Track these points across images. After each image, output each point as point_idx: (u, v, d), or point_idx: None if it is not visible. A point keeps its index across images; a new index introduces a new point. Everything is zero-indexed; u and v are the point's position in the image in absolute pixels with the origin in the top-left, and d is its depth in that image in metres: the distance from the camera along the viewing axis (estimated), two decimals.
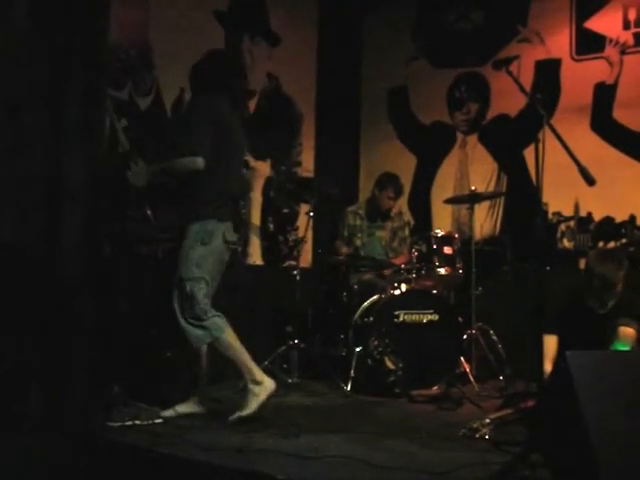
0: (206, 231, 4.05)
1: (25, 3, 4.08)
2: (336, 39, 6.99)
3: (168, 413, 4.05)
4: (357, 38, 7.27)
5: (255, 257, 6.05)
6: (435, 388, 4.99)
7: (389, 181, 5.99)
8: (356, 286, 5.58)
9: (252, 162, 6.03)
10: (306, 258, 6.24)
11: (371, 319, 5.11)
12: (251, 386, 4.01)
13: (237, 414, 3.97)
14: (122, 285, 4.47)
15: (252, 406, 3.98)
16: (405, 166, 6.86)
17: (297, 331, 5.38)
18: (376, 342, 4.98)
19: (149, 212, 4.57)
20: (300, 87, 6.70)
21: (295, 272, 5.43)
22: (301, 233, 5.89)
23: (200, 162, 3.98)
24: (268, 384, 4.04)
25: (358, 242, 5.99)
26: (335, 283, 5.96)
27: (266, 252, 6.07)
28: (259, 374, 4.05)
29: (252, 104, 6.22)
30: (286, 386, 5.03)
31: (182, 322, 4.00)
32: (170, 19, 5.39)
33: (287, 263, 5.69)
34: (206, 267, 4.06)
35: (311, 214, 5.62)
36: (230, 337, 4.04)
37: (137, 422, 3.86)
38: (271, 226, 6.10)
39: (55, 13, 4.17)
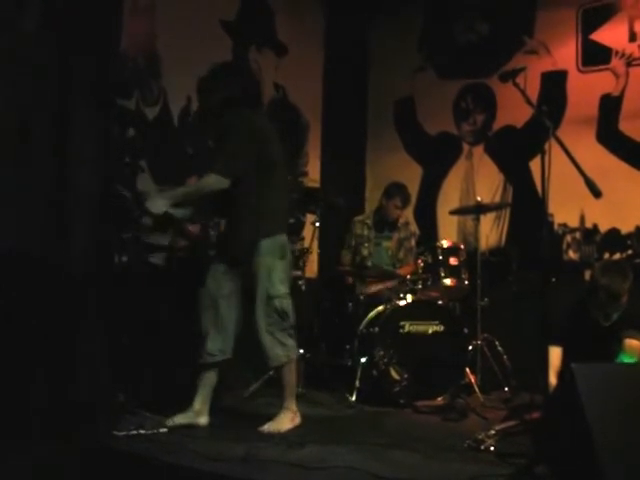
0: (281, 245, 4.10)
1: (36, 15, 4.12)
2: (343, 49, 7.01)
3: (172, 422, 4.05)
4: (364, 48, 7.29)
5: None
6: (440, 399, 4.99)
7: (396, 190, 5.99)
8: (362, 296, 5.58)
9: None
10: (312, 268, 6.23)
11: (376, 329, 5.10)
12: (287, 413, 4.11)
13: (271, 428, 4.02)
14: (133, 294, 4.48)
15: (284, 426, 4.05)
16: (411, 177, 6.86)
17: (302, 341, 5.36)
18: (381, 352, 4.98)
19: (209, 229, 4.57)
20: (307, 97, 6.71)
21: (300, 282, 5.43)
22: (307, 243, 5.89)
23: (226, 181, 3.96)
24: (298, 418, 4.15)
25: (365, 252, 5.99)
26: (341, 293, 5.96)
27: None
28: (295, 406, 4.15)
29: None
30: None
31: (267, 337, 4.02)
32: (178, 28, 5.41)
33: (292, 273, 5.68)
34: (288, 281, 4.13)
35: (317, 224, 5.62)
36: (296, 362, 4.16)
37: (142, 431, 3.86)
38: None
39: (65, 23, 4.21)
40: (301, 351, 5.25)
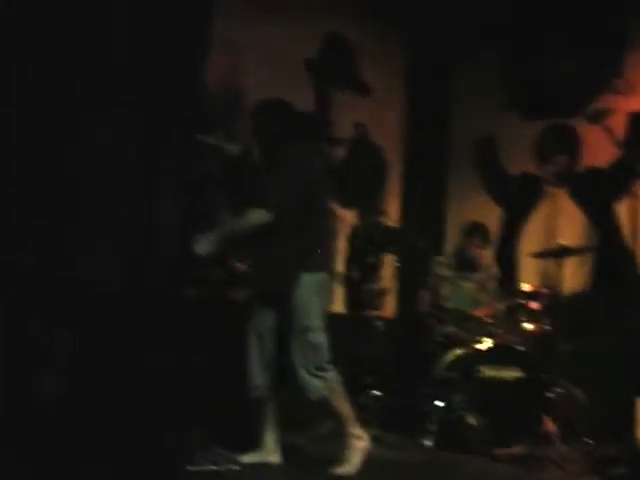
0: (319, 282, 4.10)
1: (125, 51, 4.22)
2: (424, 88, 7.00)
3: (244, 459, 4.03)
4: (445, 88, 7.26)
5: (337, 306, 6.02)
6: (518, 447, 4.84)
7: (476, 230, 5.90)
8: (439, 338, 5.49)
9: (338, 210, 6.03)
10: (389, 308, 6.18)
11: (454, 373, 5.01)
12: (353, 441, 4.05)
13: (342, 469, 3.98)
14: (204, 328, 4.50)
15: (355, 461, 4.01)
16: (491, 217, 6.75)
17: (377, 382, 5.31)
18: (458, 397, 4.88)
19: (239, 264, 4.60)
20: (387, 136, 6.71)
21: (378, 323, 5.38)
22: (385, 283, 5.84)
23: (267, 216, 4.00)
24: (366, 440, 4.08)
25: (445, 292, 5.90)
26: (418, 335, 5.88)
27: (349, 301, 6.04)
28: (359, 429, 4.07)
29: (339, 152, 6.26)
30: None
31: (303, 372, 3.99)
32: (261, 66, 5.49)
33: (370, 313, 5.65)
34: (322, 317, 4.10)
35: (396, 264, 5.59)
36: (343, 391, 4.07)
37: (215, 467, 3.85)
38: (355, 275, 6.07)
39: (153, 58, 4.30)
40: (377, 393, 5.22)
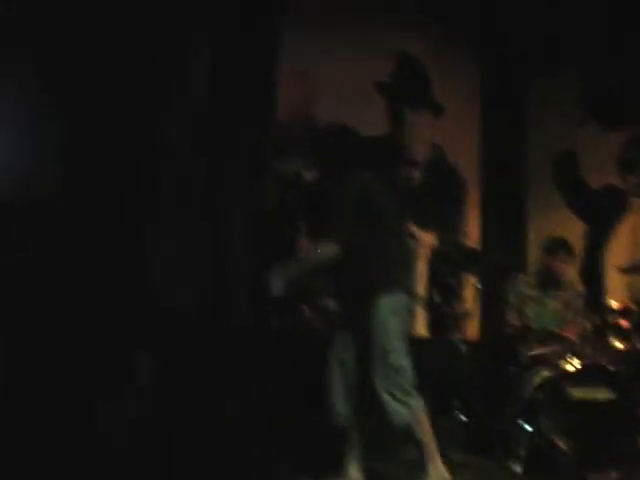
0: (397, 303, 4.05)
1: (202, 85, 4.30)
2: (500, 106, 6.91)
3: None
4: (521, 104, 7.15)
5: (420, 329, 5.95)
6: (612, 472, 4.68)
7: (559, 246, 5.76)
8: (525, 360, 5.36)
9: (417, 232, 5.98)
10: (472, 330, 6.08)
11: (541, 395, 4.88)
12: (433, 474, 3.98)
13: None
14: (287, 355, 4.52)
15: None
16: (574, 233, 6.60)
17: (463, 405, 5.22)
18: (547, 420, 4.75)
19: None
20: (464, 155, 6.65)
21: (461, 345, 5.30)
22: (467, 305, 5.76)
23: (335, 248, 3.98)
24: (447, 474, 4.02)
25: (529, 312, 5.78)
26: (503, 356, 5.76)
27: (431, 324, 5.97)
28: (440, 464, 4.02)
29: (416, 174, 6.21)
30: (452, 463, 4.85)
31: (385, 396, 3.93)
32: (333, 91, 5.50)
33: (453, 335, 5.57)
34: (404, 338, 4.05)
35: (478, 285, 5.50)
36: (426, 419, 4.00)
37: None
38: (436, 297, 5.99)
39: (226, 91, 4.37)
40: (462, 417, 5.13)
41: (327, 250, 4.02)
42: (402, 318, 4.09)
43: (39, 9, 3.65)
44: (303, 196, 5.35)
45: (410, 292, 4.24)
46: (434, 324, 5.95)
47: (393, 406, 3.93)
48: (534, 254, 6.70)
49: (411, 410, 3.95)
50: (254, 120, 4.57)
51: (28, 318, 3.54)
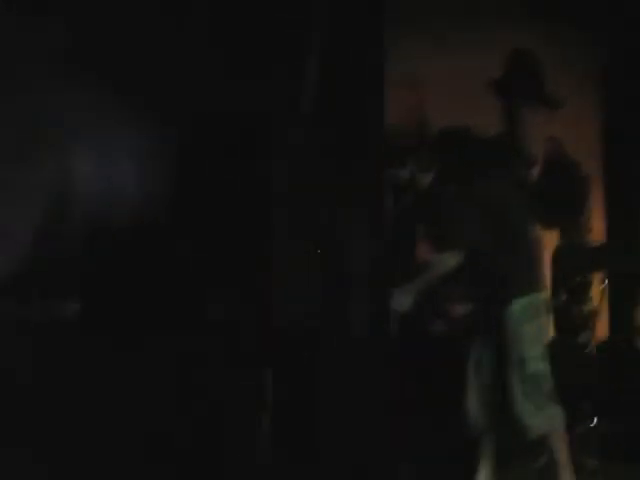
0: (531, 306, 3.97)
1: (310, 100, 4.33)
2: (625, 94, 6.64)
3: None
4: None
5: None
6: None
7: None
8: None
9: (538, 232, 5.82)
10: (601, 330, 5.87)
11: None
12: None
13: None
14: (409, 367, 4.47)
15: None
16: None
17: (594, 409, 5.04)
18: None
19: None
20: (585, 149, 6.42)
21: (588, 346, 5.12)
22: (595, 304, 5.56)
23: (459, 256, 3.86)
24: None
25: None
26: (634, 356, 5.54)
27: (558, 325, 5.80)
28: (572, 471, 3.92)
29: (534, 171, 6.05)
30: (584, 471, 4.69)
31: (523, 405, 3.85)
32: (445, 94, 5.43)
33: (581, 336, 5.39)
34: (542, 343, 3.95)
35: (605, 283, 5.31)
36: (562, 427, 3.90)
37: None
38: (563, 297, 5.82)
39: (337, 102, 4.38)
40: (596, 421, 4.96)
41: (453, 258, 3.93)
42: (538, 321, 3.94)
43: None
44: (419, 200, 5.29)
45: (543, 291, 4.08)
46: (560, 325, 5.79)
47: (529, 417, 3.81)
48: None
49: (548, 421, 3.82)
50: (366, 125, 4.55)
51: (156, 338, 3.62)
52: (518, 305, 3.89)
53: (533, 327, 3.90)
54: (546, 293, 4.10)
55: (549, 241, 6.00)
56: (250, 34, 4.03)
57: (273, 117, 4.19)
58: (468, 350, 4.08)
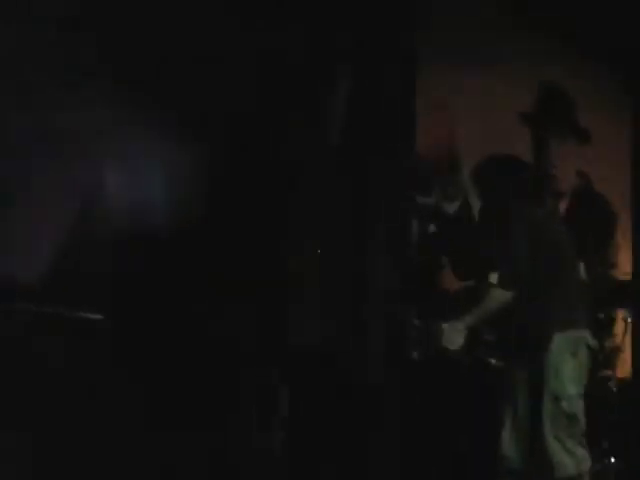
0: (573, 342, 3.89)
1: (341, 129, 4.35)
2: None
3: None
4: None
5: None
6: None
7: None
8: None
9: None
10: (624, 368, 5.80)
11: None
12: None
13: None
14: (429, 391, 4.44)
15: None
16: None
17: (616, 448, 4.97)
18: None
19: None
20: (614, 185, 6.39)
21: (611, 383, 5.07)
22: (619, 340, 5.50)
23: (509, 294, 3.81)
24: None
25: None
26: None
27: None
28: None
29: (562, 205, 6.03)
30: None
31: (553, 443, 3.76)
32: (475, 123, 5.43)
33: (604, 373, 5.32)
34: (580, 382, 3.88)
35: (629, 319, 5.26)
36: (589, 470, 3.85)
37: None
38: None
39: (364, 132, 4.40)
40: (613, 459, 4.89)
41: (503, 295, 3.86)
42: (578, 360, 3.89)
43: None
44: (445, 229, 5.29)
45: (588, 327, 4.01)
46: None
47: (559, 456, 3.74)
48: None
49: (577, 463, 3.76)
50: (394, 152, 4.57)
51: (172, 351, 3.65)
52: (559, 341, 3.84)
53: (571, 365, 3.83)
54: (588, 330, 3.99)
55: None
56: (281, 63, 4.07)
57: (302, 146, 4.22)
58: (507, 381, 4.02)
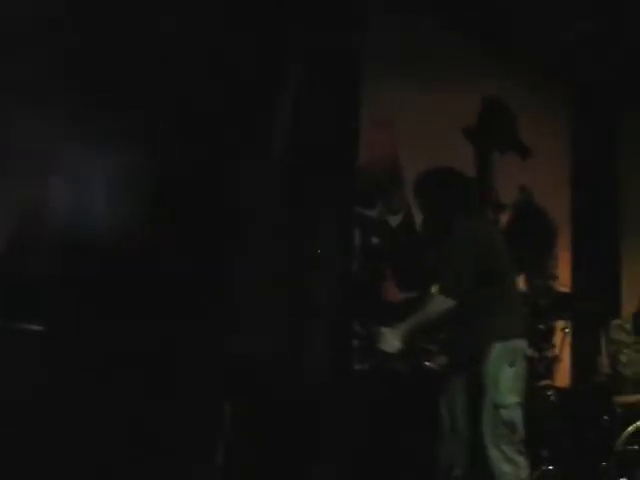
0: (512, 351, 3.91)
1: (284, 142, 4.38)
2: (592, 145, 6.78)
3: None
4: (614, 145, 6.99)
5: None
6: None
7: None
8: (619, 409, 5.18)
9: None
10: (562, 378, 5.91)
11: (635, 447, 4.71)
12: None
13: None
14: (369, 402, 4.47)
15: None
16: None
17: (553, 456, 5.06)
18: None
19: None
20: (554, 198, 6.53)
21: (550, 392, 5.15)
22: (557, 351, 5.61)
23: (452, 302, 3.86)
24: None
25: (624, 359, 5.58)
26: (595, 404, 5.57)
27: None
28: None
29: (504, 218, 6.14)
30: None
31: (493, 452, 3.79)
32: (418, 137, 5.51)
33: (542, 383, 5.42)
34: (518, 391, 3.91)
35: (566, 330, 5.36)
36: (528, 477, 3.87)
37: None
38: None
39: (308, 147, 4.44)
40: (551, 467, 4.97)
41: (442, 305, 3.89)
42: (517, 369, 3.91)
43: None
44: (389, 242, 5.35)
45: (525, 337, 4.05)
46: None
47: (499, 462, 3.79)
48: (629, 299, 6.50)
49: (517, 471, 3.82)
50: (336, 169, 4.60)
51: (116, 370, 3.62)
52: (498, 349, 3.88)
53: (509, 374, 3.86)
54: (526, 340, 4.07)
55: None
56: (226, 83, 4.09)
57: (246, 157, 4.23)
58: (445, 389, 4.07)
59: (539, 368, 5.60)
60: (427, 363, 4.57)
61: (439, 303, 3.91)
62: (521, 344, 3.97)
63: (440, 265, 4.07)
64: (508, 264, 4.12)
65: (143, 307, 3.68)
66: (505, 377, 3.84)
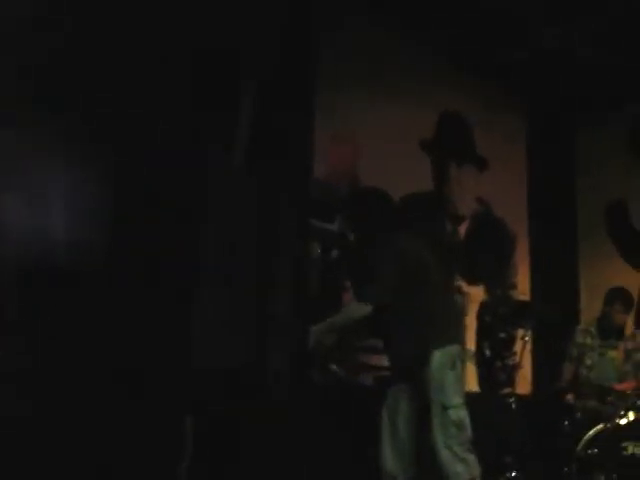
0: (450, 356, 4.02)
1: (242, 150, 4.40)
2: (547, 156, 6.89)
3: None
4: (570, 154, 7.11)
5: (470, 384, 5.87)
6: None
7: (616, 295, 5.69)
8: (579, 414, 5.24)
9: (465, 287, 5.96)
10: (524, 385, 5.97)
11: (596, 451, 4.76)
12: None
13: None
14: (330, 412, 4.50)
15: None
16: (630, 283, 6.44)
17: (515, 462, 5.11)
18: (602, 477, 4.62)
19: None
20: (512, 208, 6.61)
21: (511, 399, 5.22)
22: (518, 358, 5.67)
23: (367, 308, 4.01)
24: None
25: (588, 362, 5.65)
26: (556, 410, 5.63)
27: (481, 379, 5.89)
28: None
29: (462, 229, 6.21)
30: None
31: (444, 453, 3.86)
32: (377, 151, 5.56)
33: (504, 390, 5.48)
34: (461, 392, 4.03)
35: (526, 338, 5.42)
36: (480, 476, 3.94)
37: None
38: (487, 352, 5.93)
39: (267, 155, 4.47)
40: (515, 474, 5.01)
41: (356, 312, 4.10)
42: (457, 371, 4.05)
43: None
44: (347, 255, 5.39)
45: (460, 343, 4.22)
46: (484, 379, 5.88)
47: (451, 463, 3.86)
48: (588, 305, 6.60)
49: (469, 469, 3.88)
50: (292, 182, 4.63)
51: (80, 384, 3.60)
52: (438, 355, 4.01)
53: (452, 377, 4.00)
54: (462, 346, 4.20)
55: (476, 296, 6.13)
56: (184, 93, 4.10)
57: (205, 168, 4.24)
58: (384, 399, 4.15)
59: (501, 376, 5.68)
60: (334, 367, 4.67)
61: (354, 309, 4.19)
62: (457, 349, 4.10)
63: (365, 276, 4.27)
64: (437, 275, 4.24)
65: (103, 321, 3.67)
66: (449, 380, 3.97)
